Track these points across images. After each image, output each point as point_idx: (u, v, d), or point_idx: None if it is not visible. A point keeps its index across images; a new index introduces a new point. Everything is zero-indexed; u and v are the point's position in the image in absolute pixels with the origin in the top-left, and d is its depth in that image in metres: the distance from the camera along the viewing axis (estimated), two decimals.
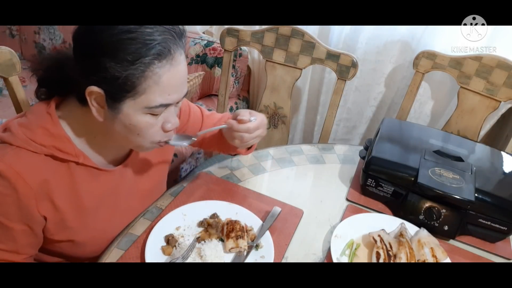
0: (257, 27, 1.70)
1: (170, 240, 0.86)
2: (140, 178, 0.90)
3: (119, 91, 0.66)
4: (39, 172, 0.71)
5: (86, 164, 0.76)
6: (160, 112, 0.71)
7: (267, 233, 0.90)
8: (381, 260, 0.84)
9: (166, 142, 0.78)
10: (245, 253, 0.85)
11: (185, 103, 1.00)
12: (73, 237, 0.80)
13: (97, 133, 0.76)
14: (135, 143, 0.75)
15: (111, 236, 0.86)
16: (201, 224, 0.92)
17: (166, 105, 0.70)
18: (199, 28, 1.95)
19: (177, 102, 0.74)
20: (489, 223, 0.96)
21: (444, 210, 0.96)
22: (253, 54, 1.90)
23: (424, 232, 0.93)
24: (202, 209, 0.95)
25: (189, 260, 0.82)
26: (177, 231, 0.89)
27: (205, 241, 0.86)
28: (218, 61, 1.79)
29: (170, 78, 0.68)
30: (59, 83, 0.74)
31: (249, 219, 0.93)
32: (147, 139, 0.74)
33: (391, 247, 0.88)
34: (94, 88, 0.66)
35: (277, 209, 0.96)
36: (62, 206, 0.75)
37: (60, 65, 0.73)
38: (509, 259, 0.96)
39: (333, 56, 1.44)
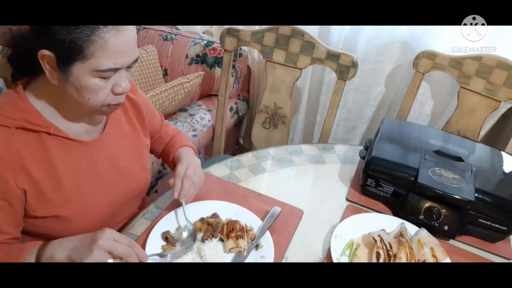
0: (257, 27, 1.70)
1: (168, 238, 0.86)
2: (118, 155, 0.91)
3: (67, 54, 0.69)
4: (11, 144, 0.73)
5: (57, 135, 0.78)
6: (109, 76, 0.73)
7: (267, 233, 0.90)
8: (381, 260, 0.84)
9: (117, 105, 0.79)
10: (245, 253, 0.85)
11: (151, 107, 1.05)
12: (56, 212, 0.80)
13: (59, 103, 0.79)
14: (88, 106, 0.76)
15: (96, 212, 0.86)
16: (201, 221, 0.92)
17: (115, 69, 0.72)
18: (199, 28, 1.95)
19: (129, 67, 0.76)
20: (489, 223, 0.96)
21: (444, 210, 0.96)
22: (253, 54, 1.90)
23: (424, 232, 0.93)
24: (202, 209, 0.95)
25: (189, 260, 0.82)
26: (177, 231, 0.89)
27: (204, 242, 0.86)
28: (218, 61, 1.79)
29: (117, 43, 0.70)
30: (21, 58, 0.76)
31: (249, 219, 0.93)
32: (98, 101, 0.75)
33: (391, 247, 0.88)
34: (45, 52, 0.69)
35: (277, 209, 0.96)
36: (38, 177, 0.76)
37: (19, 39, 0.76)
38: (509, 259, 0.96)
39: (333, 56, 1.44)
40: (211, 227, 0.90)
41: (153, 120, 1.06)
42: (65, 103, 0.78)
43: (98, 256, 0.68)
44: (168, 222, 0.90)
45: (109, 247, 0.69)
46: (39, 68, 0.73)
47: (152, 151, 1.13)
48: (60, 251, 0.71)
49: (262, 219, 0.94)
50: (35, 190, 0.77)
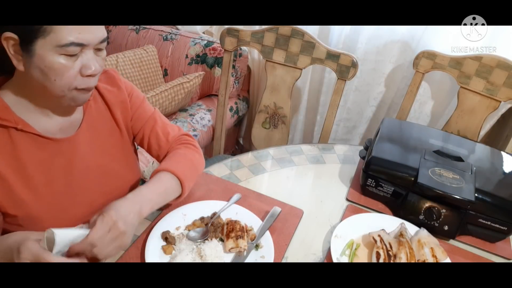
0: (257, 27, 1.70)
1: (168, 238, 0.86)
2: (98, 152, 0.88)
3: (28, 30, 0.67)
4: None
5: (26, 131, 0.77)
6: (74, 53, 0.70)
7: (267, 233, 0.90)
8: (381, 260, 0.84)
9: (86, 89, 0.76)
10: (245, 253, 0.85)
11: (140, 97, 0.98)
12: (27, 210, 0.78)
13: (31, 94, 0.77)
14: (54, 91, 0.74)
15: (73, 212, 0.83)
16: (201, 220, 0.92)
17: (79, 45, 0.70)
18: (199, 28, 1.95)
19: (98, 50, 0.75)
20: (489, 223, 0.96)
21: (444, 210, 0.96)
22: (253, 54, 1.90)
23: (424, 232, 0.93)
24: (202, 209, 0.95)
25: (189, 260, 0.82)
26: (177, 231, 0.89)
27: (205, 242, 0.87)
28: (218, 61, 1.80)
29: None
30: None
31: (249, 219, 0.93)
32: (65, 83, 0.73)
33: (391, 247, 0.88)
34: (7, 34, 0.68)
35: (277, 209, 0.96)
36: (5, 173, 0.75)
37: None
38: (509, 259, 0.96)
39: (333, 56, 1.44)
40: (212, 227, 0.90)
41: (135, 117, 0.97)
42: (32, 93, 0.77)
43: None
44: (168, 222, 0.90)
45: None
46: (10, 67, 0.72)
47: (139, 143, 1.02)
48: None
49: (262, 219, 0.94)
50: (4, 187, 0.76)
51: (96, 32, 0.72)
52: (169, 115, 1.70)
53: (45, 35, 0.68)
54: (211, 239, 0.87)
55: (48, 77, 0.72)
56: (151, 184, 0.84)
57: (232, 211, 0.95)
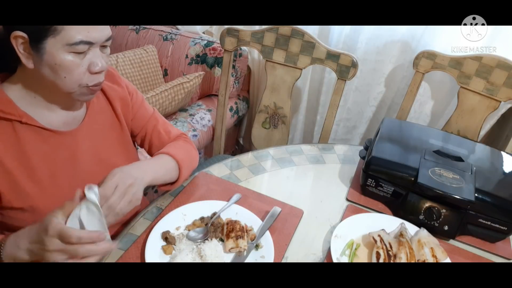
0: (257, 27, 1.70)
1: (168, 238, 0.86)
2: (100, 146, 0.90)
3: (38, 29, 0.69)
4: None
5: (30, 124, 0.78)
6: (83, 51, 0.73)
7: (267, 233, 0.90)
8: (381, 260, 0.84)
9: (96, 85, 0.79)
10: (245, 253, 0.85)
11: (140, 98, 1.00)
12: (31, 203, 0.79)
13: (37, 91, 0.78)
14: (65, 88, 0.76)
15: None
16: (201, 220, 0.92)
17: (88, 43, 0.73)
18: (199, 28, 1.95)
19: (103, 46, 0.77)
20: (489, 223, 0.96)
21: (444, 210, 0.96)
22: (253, 54, 1.90)
23: (424, 232, 0.93)
24: (202, 209, 0.95)
25: (189, 260, 0.82)
26: (177, 231, 0.89)
27: (205, 242, 0.87)
28: (218, 61, 1.79)
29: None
30: None
31: (249, 219, 0.93)
32: (75, 81, 0.75)
33: (391, 247, 0.88)
34: (17, 33, 0.70)
35: (277, 209, 0.96)
36: (10, 166, 0.76)
37: None
38: (509, 259, 0.96)
39: (333, 56, 1.44)
40: (212, 227, 0.90)
41: (143, 110, 1.01)
42: (42, 89, 0.78)
43: (58, 259, 0.64)
44: (168, 222, 0.90)
45: (61, 250, 0.64)
46: (14, 64, 0.73)
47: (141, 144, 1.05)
48: (21, 253, 0.67)
49: (262, 219, 0.94)
50: (9, 180, 0.77)
51: (103, 30, 0.75)
52: (169, 115, 1.70)
53: (55, 34, 0.70)
54: (211, 239, 0.87)
55: (58, 74, 0.74)
56: (152, 160, 0.91)
57: (232, 211, 0.95)
